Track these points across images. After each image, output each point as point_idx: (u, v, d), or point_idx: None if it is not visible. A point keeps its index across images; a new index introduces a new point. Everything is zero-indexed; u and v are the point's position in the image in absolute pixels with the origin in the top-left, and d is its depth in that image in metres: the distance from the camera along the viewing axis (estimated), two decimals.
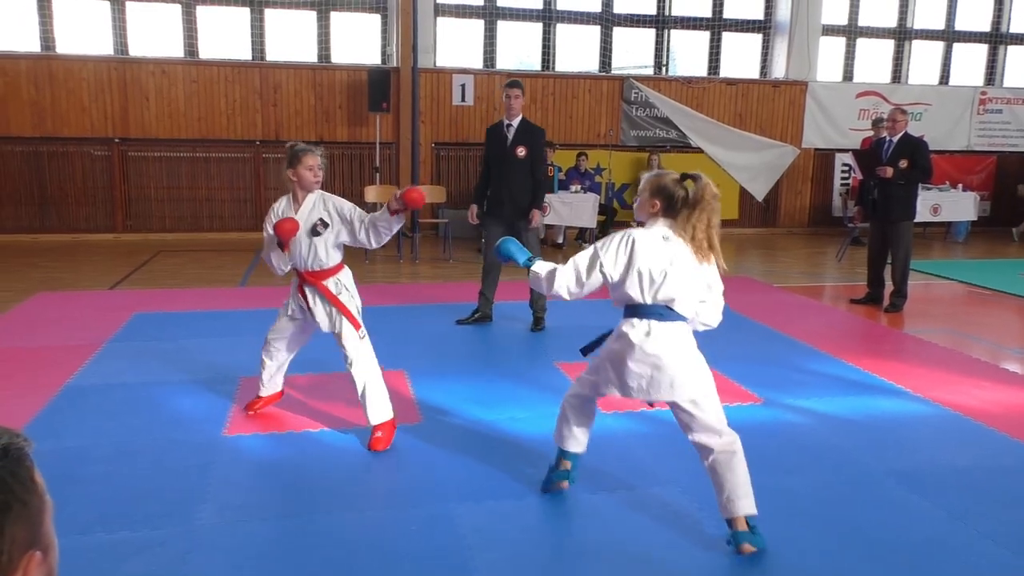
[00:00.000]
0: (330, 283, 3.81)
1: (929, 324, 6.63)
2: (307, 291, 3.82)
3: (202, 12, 10.59)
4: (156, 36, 10.53)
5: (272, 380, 4.15)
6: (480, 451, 3.77)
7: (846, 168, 12.14)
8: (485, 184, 6.09)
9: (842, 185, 12.37)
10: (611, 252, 2.87)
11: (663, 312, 2.85)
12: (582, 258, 2.94)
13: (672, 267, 2.81)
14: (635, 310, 2.88)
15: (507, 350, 5.56)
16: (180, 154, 10.55)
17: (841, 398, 4.61)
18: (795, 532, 3.06)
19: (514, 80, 6.07)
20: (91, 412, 4.18)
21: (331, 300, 3.78)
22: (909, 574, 2.79)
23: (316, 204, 3.78)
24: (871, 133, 10.71)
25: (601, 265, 2.87)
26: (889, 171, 6.77)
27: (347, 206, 3.78)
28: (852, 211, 10.40)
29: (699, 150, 10.76)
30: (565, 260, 3.00)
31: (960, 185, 11.80)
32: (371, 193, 10.24)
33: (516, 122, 5.93)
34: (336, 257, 3.83)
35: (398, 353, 5.06)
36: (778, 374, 5.04)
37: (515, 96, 5.86)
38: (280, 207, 3.83)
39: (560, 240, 10.54)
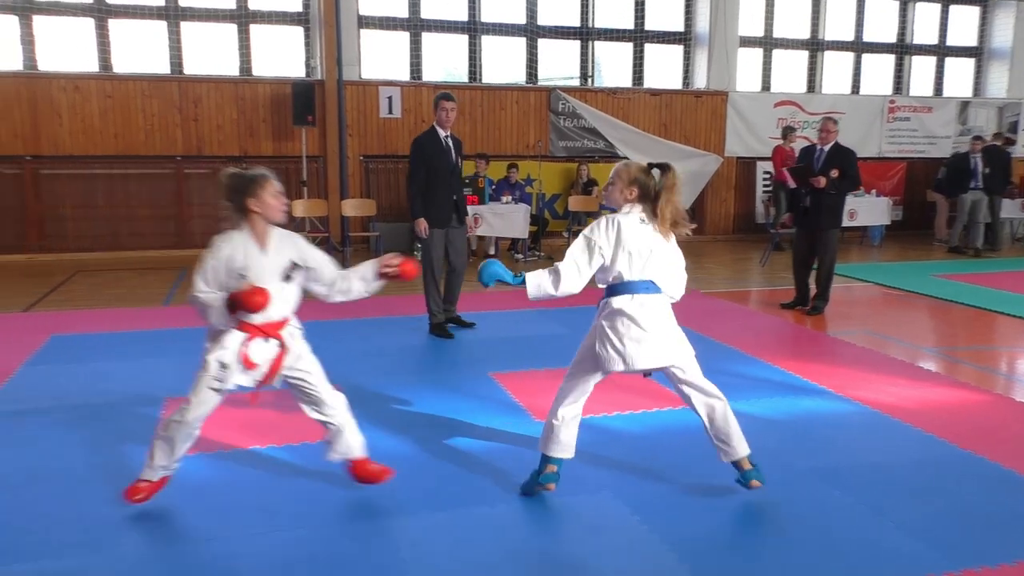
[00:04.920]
0: (285, 333, 3.12)
1: (849, 326, 6.86)
2: (253, 347, 3.04)
3: (115, 25, 10.29)
4: (67, 50, 10.18)
5: (168, 466, 3.17)
6: (413, 464, 3.74)
7: (768, 176, 12.51)
8: (425, 195, 6.01)
9: (764, 192, 12.73)
10: (602, 235, 3.13)
11: (649, 286, 3.16)
12: (577, 249, 3.17)
13: (655, 245, 3.15)
14: (625, 286, 3.15)
15: (441, 362, 5.53)
16: (96, 171, 10.20)
17: (767, 399, 4.73)
18: (725, 531, 3.13)
19: (447, 92, 6.14)
20: (4, 438, 3.99)
21: (279, 357, 3.09)
22: (833, 567, 2.88)
23: (284, 242, 3.12)
24: (782, 142, 11.06)
25: (600, 248, 3.12)
26: (823, 181, 6.84)
27: (318, 254, 3.22)
28: (784, 218, 10.71)
29: (626, 160, 10.94)
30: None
31: (874, 191, 12.27)
32: (299, 208, 10.12)
33: (450, 133, 6.10)
34: (297, 302, 3.21)
35: (339, 370, 4.95)
36: (707, 377, 5.13)
37: (452, 108, 6.02)
38: (231, 249, 2.99)
39: (492, 251, 10.56)
